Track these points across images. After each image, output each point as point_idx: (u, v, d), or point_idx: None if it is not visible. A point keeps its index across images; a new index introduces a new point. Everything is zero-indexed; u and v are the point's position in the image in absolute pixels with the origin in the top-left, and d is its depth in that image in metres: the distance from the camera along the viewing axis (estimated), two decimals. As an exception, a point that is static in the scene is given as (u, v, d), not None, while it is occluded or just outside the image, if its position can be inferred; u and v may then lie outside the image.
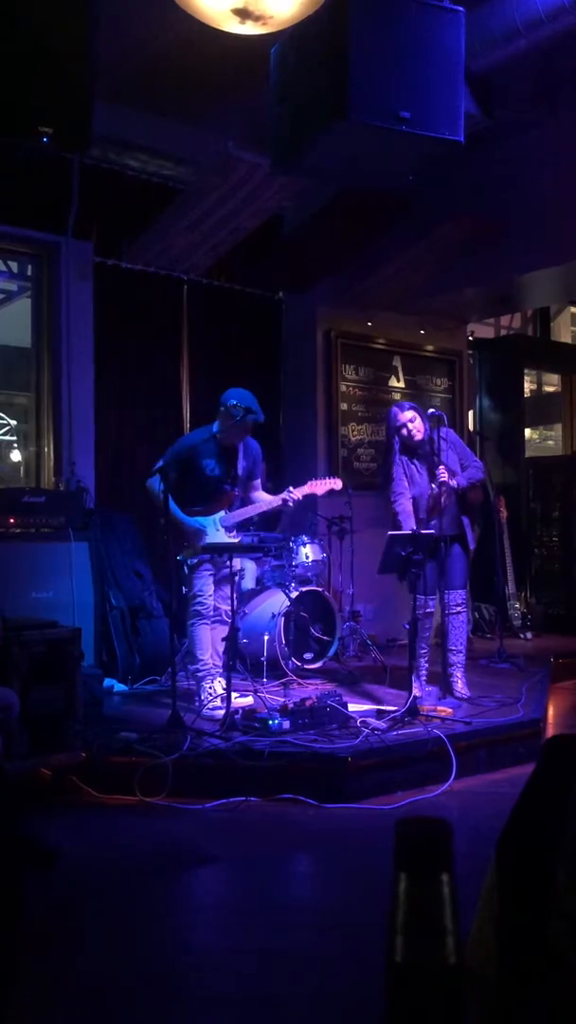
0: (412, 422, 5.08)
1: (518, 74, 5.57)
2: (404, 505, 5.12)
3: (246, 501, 5.17)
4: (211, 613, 5.04)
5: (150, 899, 3.17)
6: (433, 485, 5.05)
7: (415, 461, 5.16)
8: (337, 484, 5.21)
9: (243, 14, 3.08)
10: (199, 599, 4.98)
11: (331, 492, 5.22)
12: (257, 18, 3.12)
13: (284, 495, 5.01)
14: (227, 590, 4.90)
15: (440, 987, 0.48)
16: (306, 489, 5.03)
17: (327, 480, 5.17)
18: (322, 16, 3.43)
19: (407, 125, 3.81)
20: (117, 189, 6.36)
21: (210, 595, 5.02)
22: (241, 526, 5.23)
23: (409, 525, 5.03)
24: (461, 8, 3.98)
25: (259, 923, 3.00)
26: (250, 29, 3.21)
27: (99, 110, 5.08)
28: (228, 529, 5.06)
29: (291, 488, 5.02)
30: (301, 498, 5.02)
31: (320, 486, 5.10)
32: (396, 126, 3.78)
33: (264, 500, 5.12)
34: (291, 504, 5.02)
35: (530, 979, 0.74)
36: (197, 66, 5.48)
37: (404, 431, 5.09)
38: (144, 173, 6.39)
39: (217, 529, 5.03)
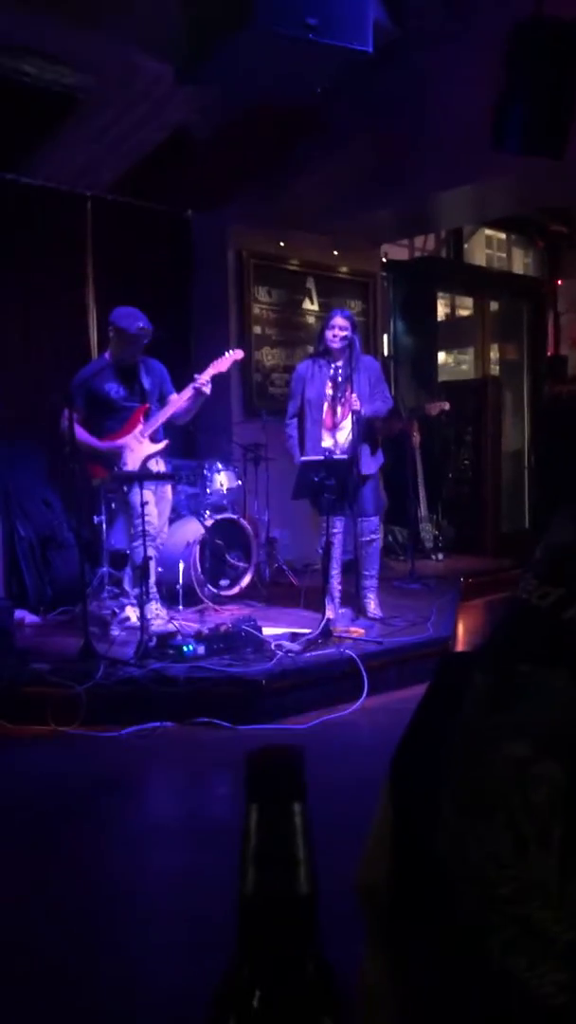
0: (336, 328, 5.18)
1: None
2: (291, 434, 5.33)
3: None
4: (155, 532, 4.99)
5: (72, 825, 3.19)
6: (327, 392, 5.20)
7: (329, 366, 5.22)
8: (238, 354, 5.34)
9: None
10: (144, 517, 4.83)
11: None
12: None
13: (191, 385, 4.99)
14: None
15: (292, 916, 0.48)
16: (210, 370, 5.08)
17: (227, 355, 5.23)
18: None
19: (314, 33, 3.67)
20: (12, 98, 5.98)
21: (151, 512, 4.94)
22: (164, 433, 5.18)
23: (297, 456, 5.24)
24: None
25: (180, 845, 3.06)
26: None
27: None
28: (152, 438, 5.03)
29: (196, 375, 5.02)
30: (209, 381, 5.04)
31: (223, 362, 5.17)
32: (303, 34, 3.65)
33: (174, 399, 5.07)
34: (204, 390, 5.01)
35: (420, 890, 0.75)
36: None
37: (329, 333, 5.22)
38: (42, 81, 6.01)
39: (140, 441, 5.01)
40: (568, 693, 0.67)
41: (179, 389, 5.15)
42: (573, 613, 0.72)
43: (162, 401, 5.10)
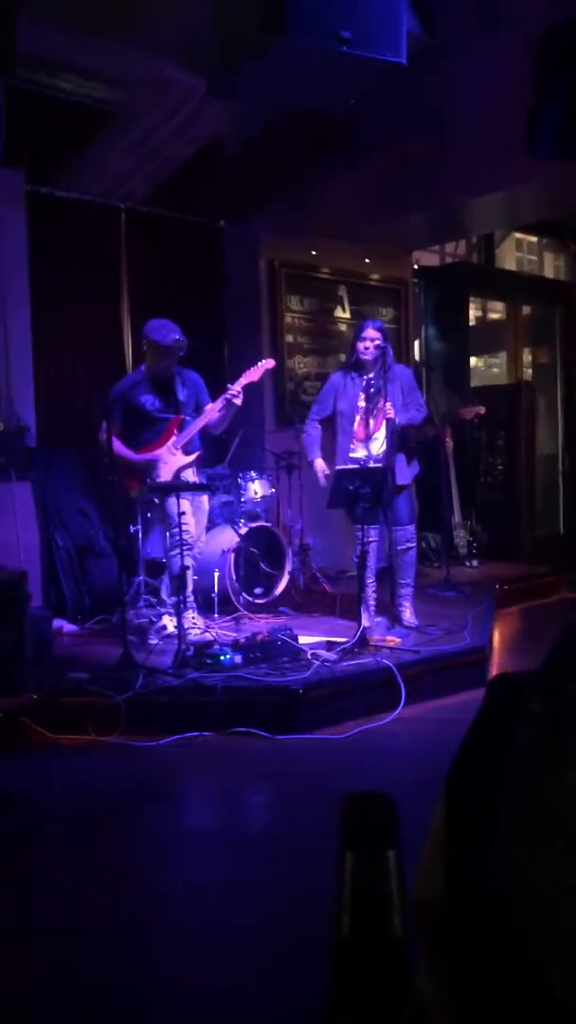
0: (368, 340, 5.17)
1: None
2: (309, 432, 5.41)
3: None
4: (192, 542, 5.02)
5: (111, 834, 3.22)
6: (360, 405, 5.21)
7: (361, 378, 5.23)
8: (270, 364, 5.33)
9: None
10: (182, 527, 4.86)
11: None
12: None
13: (224, 395, 5.00)
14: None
15: (386, 961, 0.49)
16: (242, 380, 5.08)
17: (259, 365, 5.23)
18: None
19: (347, 45, 3.68)
20: (48, 113, 6.06)
21: (188, 522, 4.97)
22: (199, 443, 5.23)
23: (311, 453, 5.38)
24: None
25: (217, 855, 3.07)
26: None
27: (25, 26, 4.83)
28: (185, 450, 5.07)
29: (228, 385, 5.03)
30: (240, 391, 5.02)
31: (255, 372, 5.16)
32: (336, 46, 3.66)
33: (206, 410, 5.09)
34: (235, 401, 5.01)
35: (474, 909, 0.76)
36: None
37: (361, 345, 5.21)
38: (76, 95, 6.09)
39: (173, 453, 5.05)
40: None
41: (215, 399, 5.18)
42: None
43: (198, 412, 5.13)
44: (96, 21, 5.56)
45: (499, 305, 9.92)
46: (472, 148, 6.09)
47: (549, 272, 10.37)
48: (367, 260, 7.85)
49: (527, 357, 10.11)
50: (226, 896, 2.76)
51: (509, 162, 5.84)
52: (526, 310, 9.98)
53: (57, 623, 5.36)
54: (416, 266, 8.64)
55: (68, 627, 5.53)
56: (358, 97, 4.35)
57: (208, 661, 4.39)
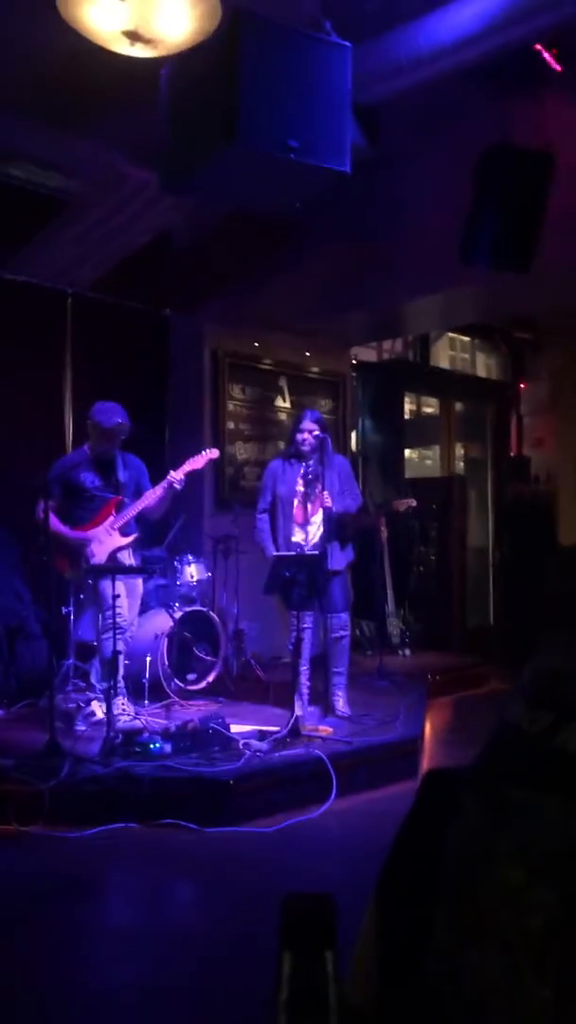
0: (307, 431, 5.29)
1: (404, 105, 5.74)
2: (261, 527, 5.40)
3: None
4: (126, 625, 4.95)
5: (28, 931, 3.08)
6: (298, 489, 5.29)
7: (300, 464, 5.34)
8: (214, 454, 5.37)
9: (133, 36, 3.07)
10: (116, 610, 4.82)
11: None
12: (148, 41, 3.13)
13: (166, 479, 5.02)
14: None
15: None
16: (185, 467, 5.11)
17: (203, 454, 5.27)
18: (213, 43, 3.46)
19: (295, 154, 3.87)
20: (1, 199, 6.19)
21: (122, 604, 4.91)
22: (136, 526, 5.21)
23: (269, 549, 5.30)
24: (348, 43, 4.09)
25: (140, 955, 2.95)
26: (140, 52, 3.20)
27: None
28: (122, 531, 5.04)
29: (171, 471, 5.05)
30: (183, 478, 5.07)
31: (198, 460, 5.20)
32: (284, 154, 3.84)
33: (147, 493, 5.10)
34: (176, 486, 5.04)
35: (408, 1014, 0.75)
36: (88, 76, 5.39)
37: (300, 436, 5.32)
38: (30, 183, 6.24)
39: (110, 533, 5.02)
40: (561, 820, 0.69)
41: (155, 484, 5.21)
42: (563, 738, 0.74)
43: (138, 495, 5.16)
44: (53, 114, 5.75)
45: (433, 401, 10.24)
46: (412, 253, 6.39)
47: (481, 371, 10.78)
48: (308, 353, 8.07)
49: (459, 451, 10.42)
50: (149, 1001, 2.65)
51: (447, 268, 6.12)
52: (459, 406, 10.32)
53: (-19, 706, 5.20)
54: (354, 361, 8.91)
55: (-8, 711, 5.36)
56: (306, 200, 4.56)
57: (137, 750, 4.29)
